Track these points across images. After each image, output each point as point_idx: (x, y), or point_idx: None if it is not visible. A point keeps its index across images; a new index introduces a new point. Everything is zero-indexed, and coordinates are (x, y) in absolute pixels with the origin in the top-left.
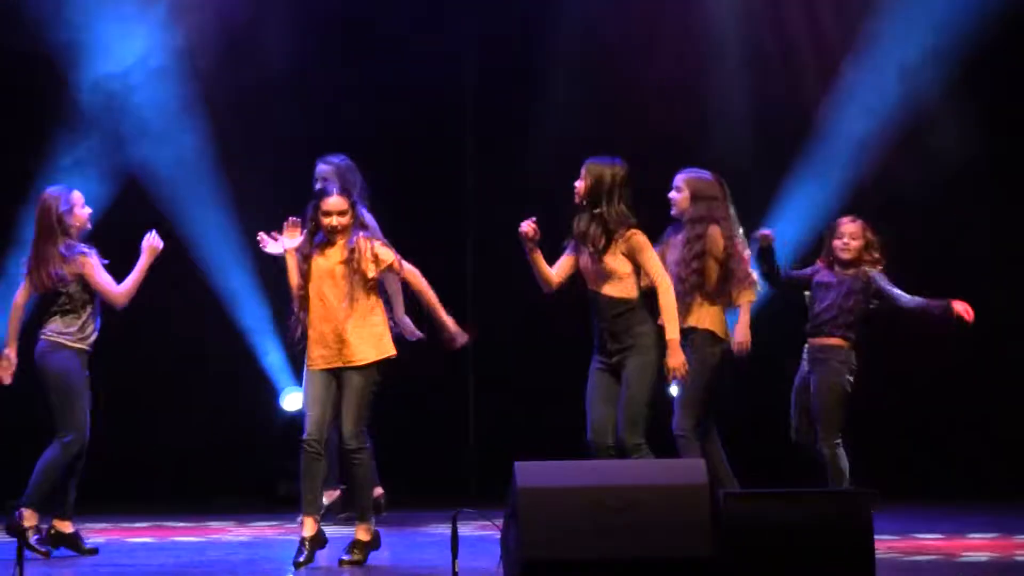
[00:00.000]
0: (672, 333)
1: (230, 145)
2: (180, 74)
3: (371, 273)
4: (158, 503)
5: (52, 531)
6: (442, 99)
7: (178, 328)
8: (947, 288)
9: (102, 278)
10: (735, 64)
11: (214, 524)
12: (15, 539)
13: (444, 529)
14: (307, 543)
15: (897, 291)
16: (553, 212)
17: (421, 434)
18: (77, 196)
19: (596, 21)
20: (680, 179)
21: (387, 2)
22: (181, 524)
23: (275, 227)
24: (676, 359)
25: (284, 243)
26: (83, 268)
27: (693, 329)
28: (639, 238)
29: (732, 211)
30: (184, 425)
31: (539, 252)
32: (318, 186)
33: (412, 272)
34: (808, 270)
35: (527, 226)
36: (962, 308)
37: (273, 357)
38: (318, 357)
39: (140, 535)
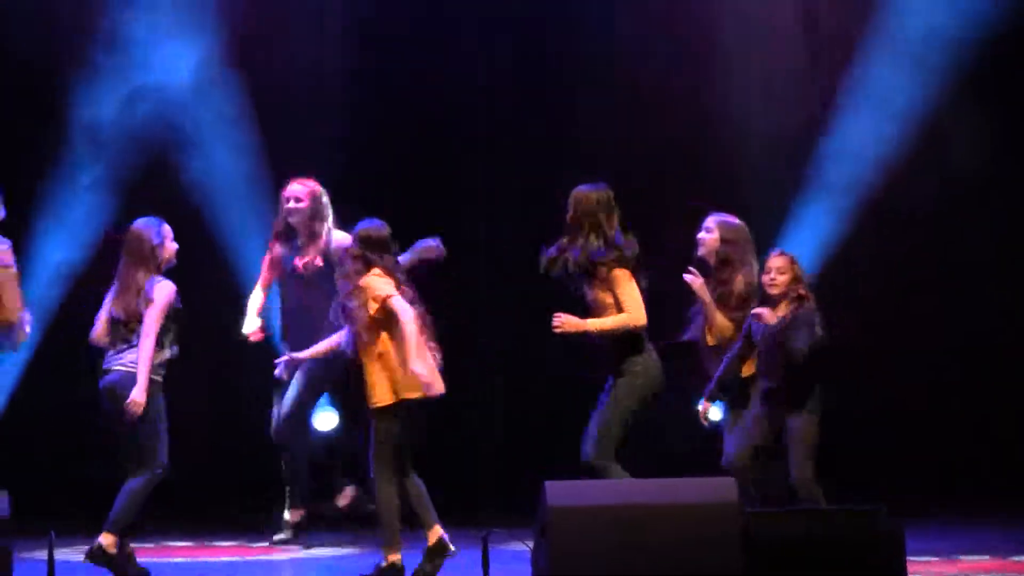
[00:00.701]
0: (590, 325)
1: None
2: (188, 81)
3: (371, 311)
4: (192, 525)
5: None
6: (454, 101)
7: (211, 346)
8: (951, 292)
9: (158, 318)
10: (752, 70)
11: (253, 545)
12: (104, 567)
13: (472, 545)
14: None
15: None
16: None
17: (442, 443)
18: (167, 229)
19: (610, 25)
20: (712, 221)
21: (397, 4)
22: (217, 544)
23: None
24: (564, 317)
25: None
26: (157, 297)
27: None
28: (617, 273)
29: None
30: (212, 446)
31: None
32: (290, 205)
33: (401, 310)
34: (746, 327)
35: None
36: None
37: None
38: None
39: (174, 555)
